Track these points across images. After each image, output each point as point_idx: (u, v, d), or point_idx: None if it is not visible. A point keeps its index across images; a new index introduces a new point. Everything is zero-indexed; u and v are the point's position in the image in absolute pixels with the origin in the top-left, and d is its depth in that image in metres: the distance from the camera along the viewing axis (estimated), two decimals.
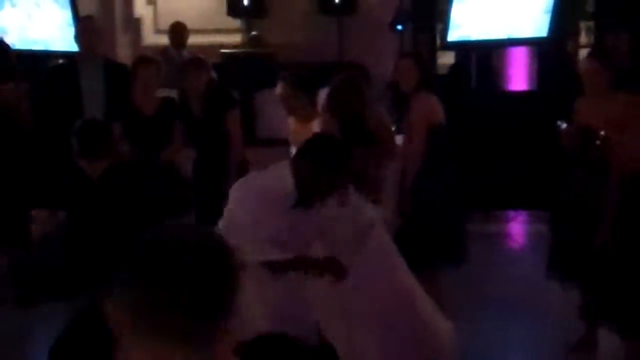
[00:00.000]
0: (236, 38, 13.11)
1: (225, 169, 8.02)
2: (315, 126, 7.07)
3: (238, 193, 4.92)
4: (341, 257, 4.99)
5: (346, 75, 7.50)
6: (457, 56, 12.87)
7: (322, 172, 4.75)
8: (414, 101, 7.51)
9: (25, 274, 9.15)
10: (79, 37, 9.10)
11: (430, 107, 7.54)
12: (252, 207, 4.73)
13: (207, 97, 8.23)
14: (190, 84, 8.37)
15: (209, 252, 2.00)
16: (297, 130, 7.14)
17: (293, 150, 7.08)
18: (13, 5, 11.74)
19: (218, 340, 1.99)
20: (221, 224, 4.82)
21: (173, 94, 9.92)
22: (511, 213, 11.07)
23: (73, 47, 9.43)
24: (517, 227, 11.26)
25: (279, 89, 7.37)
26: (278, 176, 4.71)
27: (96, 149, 6.68)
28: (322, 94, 7.47)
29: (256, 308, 4.71)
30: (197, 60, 8.98)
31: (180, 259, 1.94)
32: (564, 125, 7.20)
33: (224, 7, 13.05)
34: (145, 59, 8.86)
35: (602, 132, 6.87)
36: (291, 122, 7.36)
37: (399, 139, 9.10)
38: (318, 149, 4.73)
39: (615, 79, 6.81)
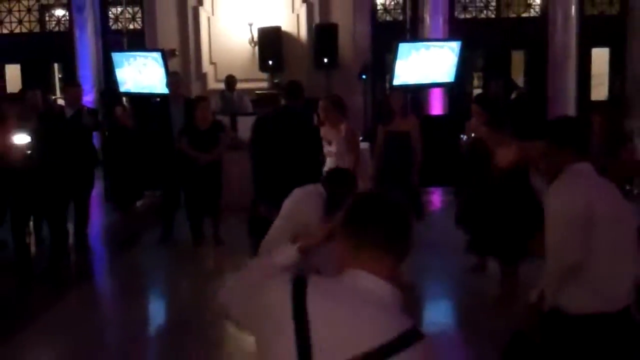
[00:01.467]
0: (264, 84, 13.13)
1: None
2: (342, 129, 7.11)
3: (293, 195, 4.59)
4: None
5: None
6: None
7: (344, 195, 4.38)
8: (406, 118, 7.78)
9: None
10: (169, 85, 9.17)
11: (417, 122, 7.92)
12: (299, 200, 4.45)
13: None
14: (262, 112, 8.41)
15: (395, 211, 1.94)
16: (329, 131, 7.08)
17: (325, 146, 7.09)
18: (129, 65, 11.83)
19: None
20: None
21: (226, 119, 10.00)
22: (430, 188, 11.10)
23: (165, 90, 9.51)
24: (436, 197, 11.29)
25: (321, 104, 7.28)
26: (318, 191, 4.34)
27: None
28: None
29: None
30: (264, 98, 9.04)
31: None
32: (464, 138, 7.41)
33: (257, 65, 13.07)
34: (201, 97, 8.96)
35: (473, 135, 7.11)
36: (326, 126, 7.18)
37: (365, 145, 9.22)
38: (341, 179, 4.36)
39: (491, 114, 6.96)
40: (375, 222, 1.91)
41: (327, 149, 7.06)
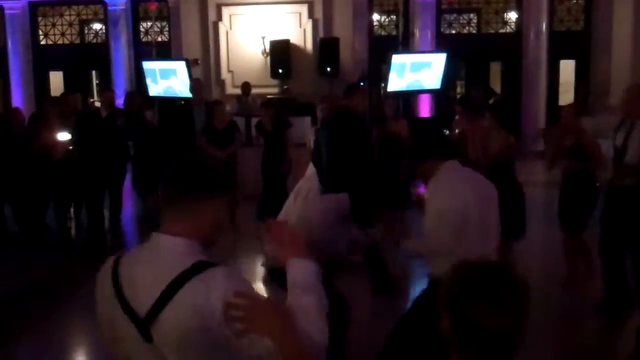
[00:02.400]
0: (275, 90, 13.10)
1: (283, 159, 8.02)
2: None
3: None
4: None
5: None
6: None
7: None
8: (397, 121, 7.69)
9: None
10: (192, 89, 9.14)
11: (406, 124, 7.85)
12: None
13: (274, 121, 8.19)
14: (265, 114, 8.34)
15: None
16: None
17: None
18: (158, 71, 11.79)
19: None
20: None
21: (241, 120, 9.94)
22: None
23: (189, 94, 9.47)
24: (423, 188, 11.19)
25: (324, 106, 7.29)
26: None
27: None
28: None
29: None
30: (269, 101, 9.00)
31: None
32: (447, 133, 7.36)
33: (268, 73, 13.05)
34: (218, 101, 8.91)
35: (457, 131, 7.04)
36: None
37: None
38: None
39: (473, 112, 6.87)
40: (163, 187, 1.86)
41: None
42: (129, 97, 9.68)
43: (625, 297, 5.27)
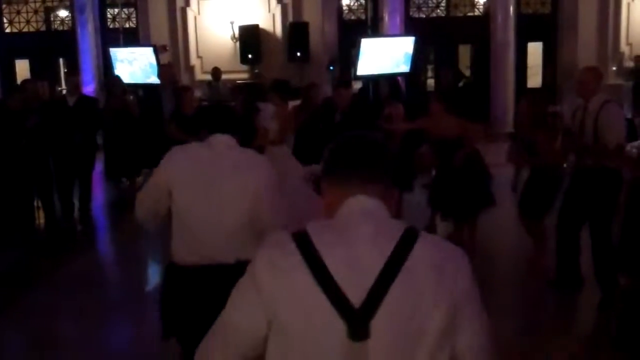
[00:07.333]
0: (245, 75, 13.00)
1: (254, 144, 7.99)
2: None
3: None
4: None
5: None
6: (362, 83, 12.82)
7: None
8: (392, 105, 7.73)
9: None
10: (160, 75, 9.04)
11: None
12: None
13: (245, 106, 8.14)
14: (235, 100, 8.31)
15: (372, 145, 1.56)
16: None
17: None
18: (126, 58, 11.62)
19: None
20: None
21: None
22: None
23: (157, 81, 9.37)
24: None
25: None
26: None
27: None
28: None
29: None
30: (238, 87, 8.98)
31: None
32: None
33: (238, 59, 12.95)
34: (186, 87, 8.81)
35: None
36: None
37: None
38: None
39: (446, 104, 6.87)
40: (358, 165, 1.55)
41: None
42: (112, 81, 9.54)
43: (575, 276, 5.32)
